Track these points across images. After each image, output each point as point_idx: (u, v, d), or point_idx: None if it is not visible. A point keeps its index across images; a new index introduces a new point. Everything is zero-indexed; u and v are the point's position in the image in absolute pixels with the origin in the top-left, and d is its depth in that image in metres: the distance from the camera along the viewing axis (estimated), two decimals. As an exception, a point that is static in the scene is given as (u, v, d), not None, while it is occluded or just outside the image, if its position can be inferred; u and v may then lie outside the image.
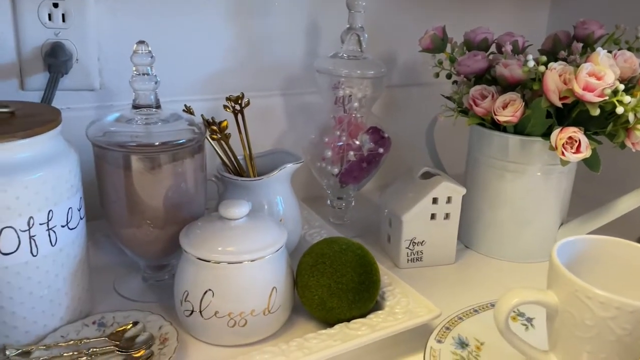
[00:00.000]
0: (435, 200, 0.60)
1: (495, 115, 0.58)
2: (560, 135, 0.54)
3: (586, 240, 0.44)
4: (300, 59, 0.76)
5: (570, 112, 0.57)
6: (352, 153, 0.66)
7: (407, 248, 0.62)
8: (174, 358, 0.44)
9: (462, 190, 0.61)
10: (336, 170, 0.68)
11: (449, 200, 0.61)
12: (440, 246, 0.63)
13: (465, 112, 0.64)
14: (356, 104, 0.66)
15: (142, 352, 0.45)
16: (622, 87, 0.53)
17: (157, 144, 0.49)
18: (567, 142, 0.54)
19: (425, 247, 0.62)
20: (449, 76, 0.69)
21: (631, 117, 0.54)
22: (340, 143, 0.66)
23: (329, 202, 0.73)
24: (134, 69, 0.50)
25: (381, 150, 0.67)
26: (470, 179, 0.67)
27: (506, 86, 0.60)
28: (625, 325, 0.37)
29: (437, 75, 0.69)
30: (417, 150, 0.82)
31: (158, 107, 0.51)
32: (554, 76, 0.54)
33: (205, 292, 0.46)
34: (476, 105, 0.60)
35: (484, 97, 0.60)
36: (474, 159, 0.66)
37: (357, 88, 0.65)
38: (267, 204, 0.57)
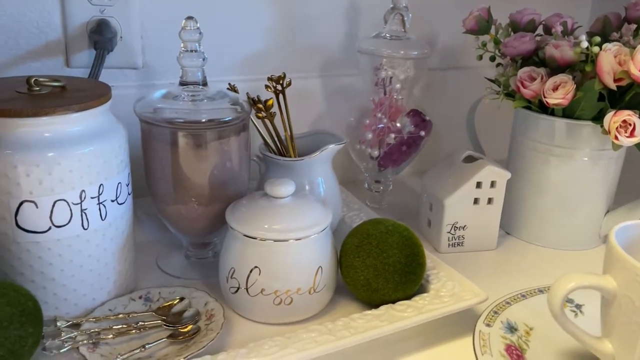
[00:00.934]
0: (479, 185, 0.59)
1: (545, 97, 0.56)
2: (614, 118, 0.52)
3: (643, 226, 0.43)
4: (340, 40, 0.75)
5: (623, 95, 0.55)
6: (392, 136, 0.66)
7: (449, 232, 0.61)
8: (221, 334, 0.44)
9: (507, 175, 0.60)
10: (376, 153, 0.67)
11: (492, 184, 0.60)
12: (482, 231, 0.62)
13: (510, 95, 0.62)
14: (398, 86, 0.64)
15: (189, 327, 0.45)
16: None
17: (203, 120, 0.49)
18: (620, 126, 0.52)
19: (467, 231, 0.61)
20: (492, 58, 0.67)
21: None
22: (381, 125, 0.65)
23: (366, 185, 0.73)
24: (182, 45, 0.49)
25: (422, 133, 0.66)
26: (513, 163, 0.65)
27: (555, 68, 0.59)
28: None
29: (480, 57, 0.67)
30: (456, 134, 0.81)
31: (205, 84, 0.51)
32: (609, 57, 0.52)
33: (252, 269, 0.46)
34: (524, 87, 0.58)
35: (532, 79, 0.58)
36: (517, 143, 0.65)
37: (400, 69, 0.64)
38: (309, 184, 0.57)
